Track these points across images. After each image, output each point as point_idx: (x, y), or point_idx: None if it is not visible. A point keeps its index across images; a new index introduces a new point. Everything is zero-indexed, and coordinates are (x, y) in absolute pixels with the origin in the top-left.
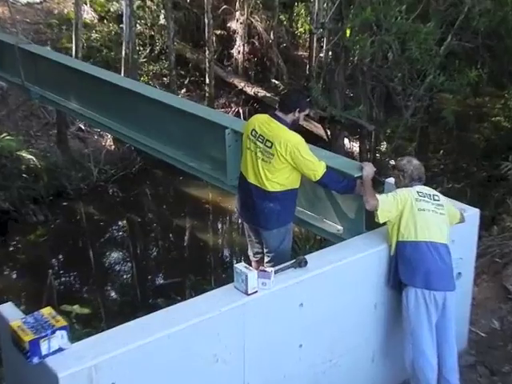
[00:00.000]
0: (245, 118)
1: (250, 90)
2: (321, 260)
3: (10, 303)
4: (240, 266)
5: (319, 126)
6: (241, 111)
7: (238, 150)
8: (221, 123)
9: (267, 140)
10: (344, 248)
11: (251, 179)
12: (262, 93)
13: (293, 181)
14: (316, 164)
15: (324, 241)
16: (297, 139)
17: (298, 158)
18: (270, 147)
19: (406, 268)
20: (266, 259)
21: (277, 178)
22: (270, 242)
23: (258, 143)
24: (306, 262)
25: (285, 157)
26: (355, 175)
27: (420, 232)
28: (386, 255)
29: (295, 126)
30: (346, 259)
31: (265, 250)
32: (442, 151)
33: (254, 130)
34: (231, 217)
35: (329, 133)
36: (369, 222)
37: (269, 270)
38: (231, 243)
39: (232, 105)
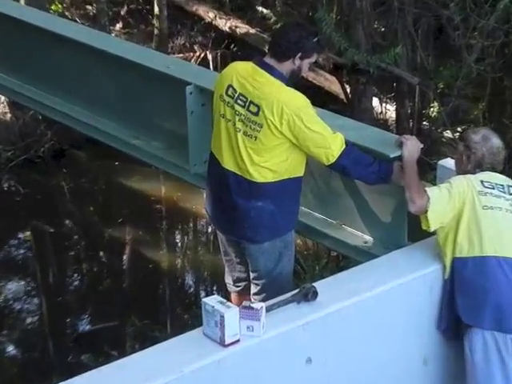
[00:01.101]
0: (216, 69)
1: (224, 23)
2: (338, 290)
3: None
4: (212, 301)
5: (333, 79)
6: (210, 57)
7: (205, 118)
8: (179, 77)
9: (251, 103)
10: (374, 270)
11: (228, 164)
12: (242, 28)
13: (293, 166)
14: (329, 138)
15: (343, 259)
16: (298, 101)
17: (300, 131)
18: (257, 113)
19: (468, 299)
20: (254, 289)
21: (268, 162)
22: (259, 263)
23: (238, 108)
24: (315, 294)
25: (279, 129)
26: (391, 155)
27: (488, 243)
28: (440, 281)
29: (295, 80)
30: (378, 289)
31: (252, 275)
32: None
33: (230, 86)
34: (197, 223)
35: (348, 90)
36: (412, 229)
37: (257, 306)
38: (197, 265)
39: (196, 47)
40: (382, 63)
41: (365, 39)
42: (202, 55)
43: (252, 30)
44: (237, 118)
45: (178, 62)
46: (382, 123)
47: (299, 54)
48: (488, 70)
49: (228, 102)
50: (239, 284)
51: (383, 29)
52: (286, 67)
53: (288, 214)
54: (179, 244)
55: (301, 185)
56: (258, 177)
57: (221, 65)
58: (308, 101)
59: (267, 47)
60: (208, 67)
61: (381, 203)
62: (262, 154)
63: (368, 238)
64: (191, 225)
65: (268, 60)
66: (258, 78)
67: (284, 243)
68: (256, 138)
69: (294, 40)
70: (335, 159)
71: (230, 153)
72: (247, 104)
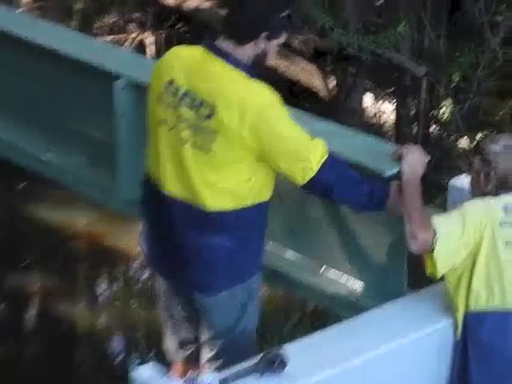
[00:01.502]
0: (158, 56)
1: None
2: (315, 356)
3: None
4: (146, 372)
5: (313, 69)
6: (149, 40)
7: (141, 123)
8: (106, 68)
9: (202, 102)
10: (363, 329)
11: (172, 189)
12: (192, 1)
13: (258, 188)
14: (307, 146)
15: (323, 314)
16: (265, 97)
17: (268, 137)
18: (210, 117)
19: (486, 368)
20: (208, 354)
21: (226, 183)
22: (215, 319)
23: (184, 110)
24: (283, 362)
25: (241, 135)
26: (387, 172)
27: None
28: (450, 342)
29: (260, 69)
30: (368, 354)
31: (204, 336)
32: None
33: (172, 81)
34: (129, 266)
35: (333, 84)
36: (414, 272)
37: (207, 379)
38: (128, 323)
39: (131, 27)
40: (378, 47)
41: (355, 15)
42: (139, 38)
43: (206, 4)
44: (182, 124)
45: (105, 48)
46: (376, 128)
47: (264, 34)
48: None
49: (169, 103)
50: (185, 349)
51: (379, 1)
52: (248, 52)
53: (252, 252)
54: (104, 295)
55: (267, 213)
56: (213, 203)
57: (165, 50)
58: (277, 97)
59: (221, 27)
60: (145, 54)
61: (372, 238)
62: (218, 171)
63: (355, 285)
64: (121, 268)
65: (222, 43)
66: (209, 68)
67: (247, 292)
68: (209, 149)
69: (256, 15)
70: (314, 174)
71: (174, 172)
72: (196, 104)
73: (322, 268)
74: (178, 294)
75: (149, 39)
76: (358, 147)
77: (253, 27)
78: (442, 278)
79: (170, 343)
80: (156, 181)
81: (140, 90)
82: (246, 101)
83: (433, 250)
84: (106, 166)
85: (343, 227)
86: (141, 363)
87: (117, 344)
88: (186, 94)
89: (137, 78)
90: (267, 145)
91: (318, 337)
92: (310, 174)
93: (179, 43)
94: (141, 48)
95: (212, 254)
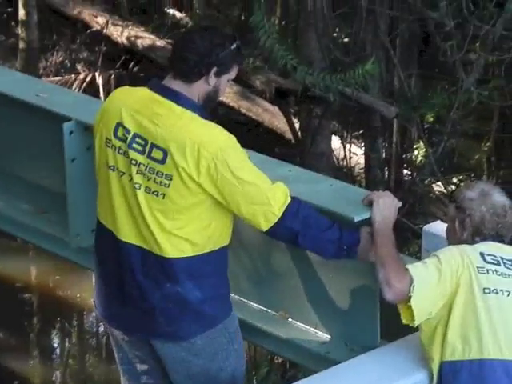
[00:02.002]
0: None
1: (120, 32)
2: None
3: None
4: None
5: (276, 111)
6: (100, 81)
7: (93, 168)
8: (54, 110)
9: (154, 146)
10: (334, 383)
11: (128, 236)
12: (145, 39)
13: (219, 233)
14: (268, 190)
15: (291, 367)
16: (221, 139)
17: (226, 181)
18: (163, 161)
19: None
20: None
21: (184, 229)
22: (194, 367)
23: (135, 155)
24: None
25: (196, 180)
26: (356, 218)
27: (491, 341)
28: None
29: (212, 107)
30: None
31: None
32: None
33: (120, 125)
34: (83, 320)
35: (298, 126)
36: (387, 323)
37: None
38: (84, 381)
39: (80, 67)
40: (346, 87)
41: (320, 53)
42: (89, 78)
43: (159, 42)
44: (134, 169)
45: (53, 89)
46: (345, 172)
47: (214, 69)
48: (494, 96)
49: (119, 148)
50: None
51: (346, 39)
52: (197, 90)
53: (218, 299)
54: (57, 351)
55: (228, 254)
56: (172, 250)
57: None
58: (234, 138)
59: (169, 64)
60: (97, 95)
61: (342, 287)
62: (175, 217)
63: (325, 336)
64: (75, 322)
65: (170, 83)
66: (158, 109)
67: (225, 336)
68: (164, 195)
69: (204, 50)
70: (277, 219)
71: (130, 219)
72: (148, 149)
73: (288, 319)
74: (138, 347)
75: (99, 80)
76: (326, 192)
77: (201, 63)
78: (416, 329)
79: None
80: (108, 229)
81: (91, 133)
82: (200, 145)
83: (409, 298)
84: (57, 213)
85: (311, 275)
86: None
87: None
88: (134, 138)
89: (87, 120)
90: (226, 190)
91: None
92: (273, 219)
93: (131, 84)
94: (91, 89)
95: (175, 305)
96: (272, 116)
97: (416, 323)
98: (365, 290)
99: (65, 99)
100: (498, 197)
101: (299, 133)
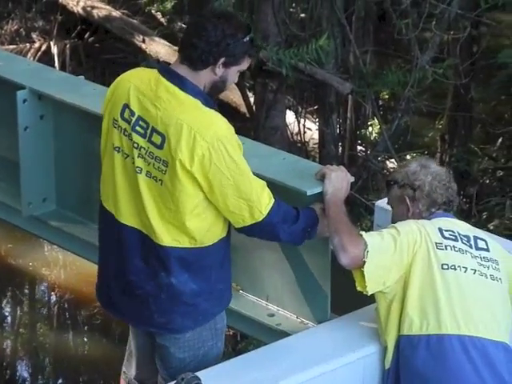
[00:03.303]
0: (64, 66)
1: (76, 2)
2: (232, 382)
3: None
4: None
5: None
6: (55, 50)
7: (45, 137)
8: (7, 78)
9: (154, 130)
10: (283, 355)
11: (127, 218)
12: (101, 9)
13: (216, 225)
14: (257, 187)
15: (242, 339)
16: (220, 128)
17: (218, 172)
18: (161, 146)
19: None
20: None
21: (181, 220)
22: (174, 360)
23: (137, 138)
24: None
25: (189, 168)
26: (308, 192)
27: (448, 316)
28: (378, 371)
29: (216, 96)
30: (288, 380)
31: (162, 376)
32: (500, 140)
33: (127, 106)
34: (35, 289)
35: (252, 100)
36: (339, 295)
37: None
38: (35, 350)
39: (35, 36)
40: (300, 62)
41: (276, 28)
42: (44, 47)
43: (115, 13)
44: (136, 152)
45: (7, 57)
46: (299, 147)
47: (222, 60)
48: (449, 75)
49: (125, 130)
50: (143, 381)
51: (302, 14)
52: (204, 78)
53: (215, 293)
54: (9, 320)
55: (229, 247)
56: (168, 239)
57: (71, 60)
58: (232, 129)
59: (178, 50)
60: (52, 65)
61: (294, 259)
62: (172, 205)
63: (276, 308)
64: (27, 291)
65: (178, 67)
66: (162, 93)
67: (211, 332)
68: (162, 181)
69: (214, 39)
70: (263, 217)
71: (131, 202)
72: (149, 132)
73: (240, 291)
74: (140, 334)
75: (54, 49)
76: (279, 166)
77: (209, 53)
78: (368, 303)
79: (129, 369)
80: (109, 210)
81: (44, 102)
82: (197, 132)
83: (363, 263)
84: (9, 182)
85: (263, 248)
86: None
87: (24, 370)
88: (138, 121)
89: (41, 89)
90: (217, 180)
91: (236, 362)
92: (259, 217)
93: (87, 54)
94: (46, 58)
95: (170, 296)
96: (227, 90)
97: (369, 290)
98: (316, 264)
99: (19, 67)
100: (437, 166)
101: (254, 107)
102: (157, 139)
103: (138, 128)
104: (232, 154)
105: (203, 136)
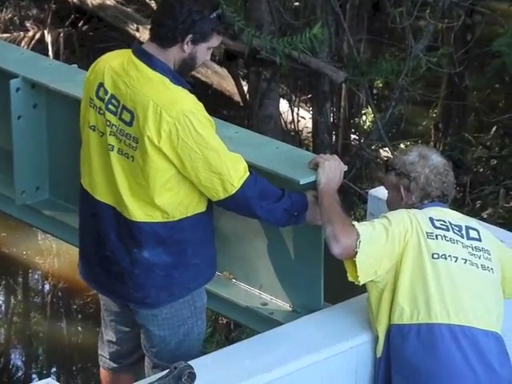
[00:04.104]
0: (57, 55)
1: None
2: (225, 370)
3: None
4: None
5: (225, 73)
6: (49, 39)
7: (39, 126)
8: (0, 66)
9: (124, 108)
10: (276, 344)
11: (102, 195)
12: (102, 1)
13: (190, 200)
14: (228, 159)
15: (236, 327)
16: (185, 103)
17: (185, 146)
18: (130, 123)
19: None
20: (148, 369)
21: (152, 195)
22: (154, 338)
23: (109, 116)
24: (192, 376)
25: (157, 144)
26: (301, 181)
27: (438, 305)
28: (370, 359)
29: (187, 74)
30: (281, 369)
31: (146, 353)
32: (494, 128)
33: (101, 85)
34: (29, 277)
35: (246, 88)
36: (332, 285)
37: None
38: (29, 337)
39: (28, 24)
40: (294, 50)
41: (270, 16)
42: (38, 36)
43: (109, 1)
44: (108, 130)
45: (0, 45)
46: (292, 136)
47: (190, 37)
48: (443, 64)
49: (99, 108)
50: (119, 363)
51: (296, 3)
52: (173, 56)
53: (191, 268)
54: (2, 308)
55: (209, 223)
56: (140, 214)
57: (65, 49)
58: (200, 105)
59: (150, 29)
60: (46, 53)
61: (287, 248)
62: (143, 181)
63: (269, 297)
64: (20, 279)
65: (149, 46)
66: (132, 72)
67: (191, 310)
68: (133, 158)
69: (180, 17)
70: (235, 191)
71: (105, 180)
72: (119, 110)
73: (233, 280)
74: (120, 307)
75: (48, 38)
76: (272, 155)
77: (175, 30)
78: (363, 290)
79: (105, 350)
80: (87, 189)
81: (37, 91)
82: (163, 108)
83: (356, 253)
84: (2, 171)
85: (256, 237)
86: (42, 377)
87: (17, 358)
88: (111, 99)
89: (34, 78)
90: (186, 155)
91: (228, 351)
92: (231, 190)
93: (80, 43)
94: (40, 47)
95: (144, 271)
96: (221, 78)
97: (361, 281)
98: (309, 253)
99: (12, 56)
100: (437, 157)
101: (247, 95)
102: (126, 116)
103: (110, 106)
104: (198, 129)
105: (169, 112)
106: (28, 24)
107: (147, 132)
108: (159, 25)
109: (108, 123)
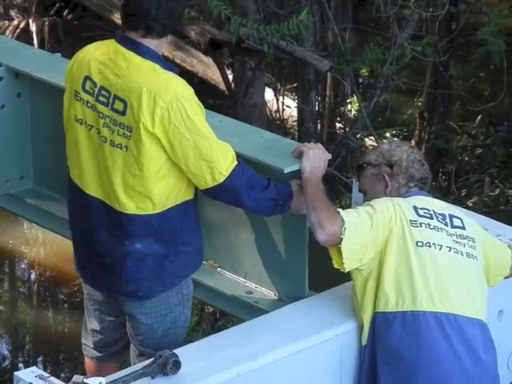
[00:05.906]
0: (42, 44)
1: None
2: (210, 358)
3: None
4: (28, 377)
5: (210, 62)
6: (33, 28)
7: (23, 115)
8: None
9: (116, 97)
10: (261, 332)
11: (93, 189)
12: None
13: (178, 187)
14: (218, 148)
15: (222, 316)
16: (178, 88)
17: (177, 131)
18: (123, 112)
19: (394, 372)
20: (133, 357)
21: (146, 185)
22: (142, 327)
23: (101, 108)
24: (176, 364)
25: (151, 130)
26: (285, 170)
27: (423, 293)
28: (355, 348)
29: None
30: (265, 357)
31: (134, 342)
32: (479, 117)
33: (88, 78)
34: (15, 267)
35: (231, 77)
36: (316, 274)
37: (95, 382)
38: (15, 327)
39: (13, 13)
40: (280, 39)
41: (254, 5)
42: (23, 24)
43: None
44: (101, 122)
45: None
46: (278, 125)
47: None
48: (428, 53)
49: (87, 102)
50: (104, 351)
51: None
52: (156, 44)
53: (181, 255)
54: None
55: (196, 211)
56: (132, 207)
57: (49, 38)
58: (191, 90)
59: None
60: (31, 42)
61: (272, 237)
62: (137, 172)
63: (254, 286)
64: (6, 269)
65: (132, 33)
66: (120, 61)
67: (178, 297)
68: (127, 147)
69: (171, 14)
70: (224, 179)
71: (96, 173)
72: (111, 100)
73: (218, 268)
74: (108, 300)
75: (33, 27)
76: (256, 144)
77: (165, 25)
78: (345, 280)
79: (89, 339)
80: (76, 184)
81: (21, 80)
82: (156, 94)
83: (340, 240)
84: None
85: (241, 225)
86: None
87: (1, 348)
88: (100, 91)
89: (18, 67)
90: (177, 141)
91: (214, 339)
92: (220, 179)
93: (65, 32)
94: (24, 36)
95: (136, 262)
96: (206, 67)
97: (346, 267)
98: (294, 241)
99: None
100: (406, 147)
101: (233, 84)
102: (119, 106)
103: (101, 98)
104: (190, 115)
105: (162, 97)
106: (13, 13)
107: (142, 119)
108: (145, 14)
109: (101, 115)
